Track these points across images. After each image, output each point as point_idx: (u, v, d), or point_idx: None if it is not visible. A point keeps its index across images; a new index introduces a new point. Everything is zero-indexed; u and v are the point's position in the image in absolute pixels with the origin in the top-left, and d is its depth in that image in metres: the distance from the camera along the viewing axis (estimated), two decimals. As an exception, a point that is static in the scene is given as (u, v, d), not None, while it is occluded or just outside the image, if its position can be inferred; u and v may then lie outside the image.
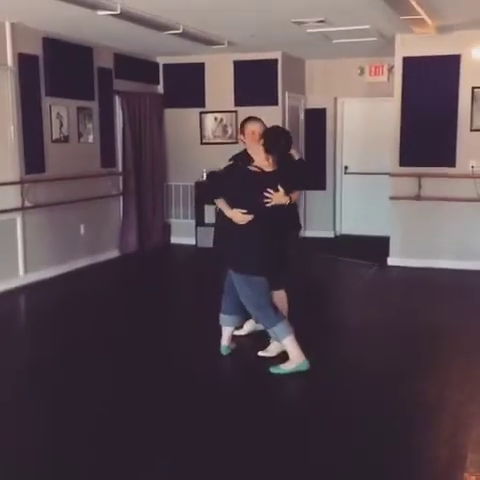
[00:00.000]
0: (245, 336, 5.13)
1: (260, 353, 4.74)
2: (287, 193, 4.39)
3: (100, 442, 3.60)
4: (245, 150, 4.66)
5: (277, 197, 4.35)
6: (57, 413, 3.96)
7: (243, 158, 4.57)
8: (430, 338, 5.27)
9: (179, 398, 4.15)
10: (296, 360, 4.42)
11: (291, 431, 3.71)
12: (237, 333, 5.02)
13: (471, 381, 4.40)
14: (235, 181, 4.43)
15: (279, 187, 4.35)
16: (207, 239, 9.00)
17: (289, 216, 4.64)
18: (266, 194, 4.32)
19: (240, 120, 8.77)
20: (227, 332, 4.82)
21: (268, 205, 4.34)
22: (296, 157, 4.79)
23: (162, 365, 4.71)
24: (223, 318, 4.82)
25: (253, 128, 4.62)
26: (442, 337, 5.31)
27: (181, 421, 3.82)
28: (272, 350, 4.71)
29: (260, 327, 4.84)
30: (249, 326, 5.15)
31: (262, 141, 4.39)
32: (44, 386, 4.36)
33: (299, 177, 4.72)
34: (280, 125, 8.74)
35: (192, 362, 4.77)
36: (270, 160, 4.40)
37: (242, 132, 4.73)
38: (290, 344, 4.43)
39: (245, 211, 4.36)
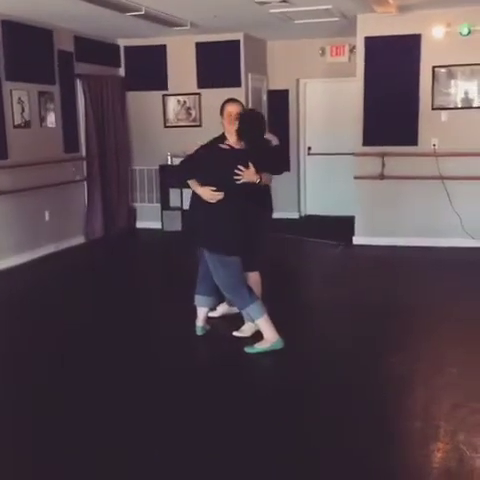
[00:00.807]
0: (218, 318, 5.16)
1: (235, 333, 4.77)
2: (257, 172, 4.41)
3: (71, 429, 3.60)
4: (223, 134, 4.66)
5: (247, 174, 4.36)
6: (25, 404, 3.94)
7: (221, 142, 4.57)
8: (398, 315, 5.36)
9: (155, 381, 4.16)
10: (271, 339, 4.48)
11: (271, 409, 3.76)
12: (211, 314, 5.04)
13: (440, 356, 4.52)
14: (205, 159, 4.44)
15: (250, 164, 4.36)
16: (173, 223, 9.01)
17: (261, 197, 4.66)
18: (237, 171, 4.33)
19: (203, 102, 8.96)
20: (202, 313, 4.85)
21: (238, 182, 4.36)
22: (273, 143, 4.80)
23: (135, 349, 4.71)
24: (198, 298, 4.84)
25: (230, 109, 4.62)
26: (410, 314, 5.41)
27: (157, 405, 3.84)
28: (246, 330, 4.75)
29: (234, 310, 4.89)
30: (223, 309, 5.18)
31: (236, 125, 4.41)
32: (10, 376, 4.33)
33: (273, 163, 4.74)
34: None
35: (167, 344, 4.79)
36: (242, 143, 4.42)
37: (221, 114, 4.72)
38: (264, 324, 4.48)
39: (214, 188, 4.37)
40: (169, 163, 8.81)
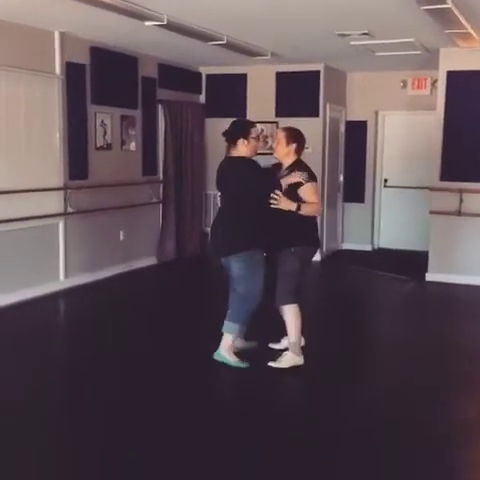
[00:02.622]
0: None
1: (270, 363, 4.75)
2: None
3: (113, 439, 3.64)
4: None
5: (283, 201, 4.56)
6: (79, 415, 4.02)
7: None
8: (468, 358, 5.17)
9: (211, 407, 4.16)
10: (228, 356, 4.75)
11: (323, 447, 3.70)
12: (273, 346, 5.05)
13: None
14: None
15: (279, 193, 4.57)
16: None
17: (291, 226, 4.70)
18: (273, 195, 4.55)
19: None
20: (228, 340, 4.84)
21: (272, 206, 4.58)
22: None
23: (194, 373, 4.74)
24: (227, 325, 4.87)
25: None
26: (481, 356, 5.23)
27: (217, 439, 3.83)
28: (283, 361, 4.75)
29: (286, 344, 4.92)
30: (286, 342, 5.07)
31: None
32: (73, 390, 4.43)
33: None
34: (321, 138, 8.84)
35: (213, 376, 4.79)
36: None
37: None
38: (229, 344, 4.76)
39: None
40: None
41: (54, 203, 6.84)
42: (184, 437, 3.72)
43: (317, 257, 9.04)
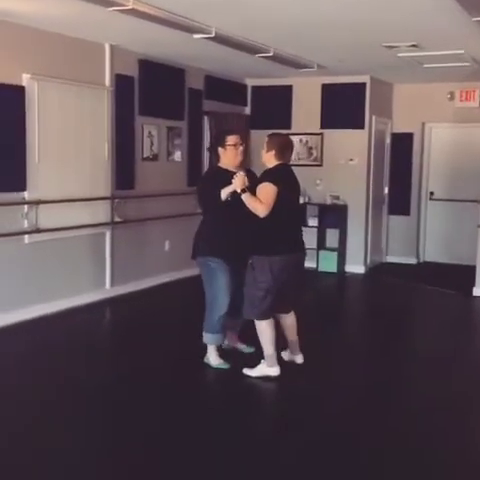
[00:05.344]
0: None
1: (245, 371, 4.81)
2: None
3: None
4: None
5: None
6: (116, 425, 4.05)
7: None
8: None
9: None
10: (211, 358, 4.95)
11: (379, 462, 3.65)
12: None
13: None
14: None
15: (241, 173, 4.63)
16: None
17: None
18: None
19: (325, 143, 9.00)
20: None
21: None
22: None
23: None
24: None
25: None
26: None
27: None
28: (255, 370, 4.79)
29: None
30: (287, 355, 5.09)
31: None
32: (108, 400, 4.45)
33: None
34: (366, 150, 8.80)
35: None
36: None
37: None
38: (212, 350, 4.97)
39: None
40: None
41: (102, 213, 6.95)
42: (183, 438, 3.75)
43: (360, 270, 9.03)
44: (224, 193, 4.61)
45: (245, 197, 4.54)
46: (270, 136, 4.84)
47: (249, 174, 4.78)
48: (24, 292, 6.10)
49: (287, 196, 4.62)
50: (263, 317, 4.67)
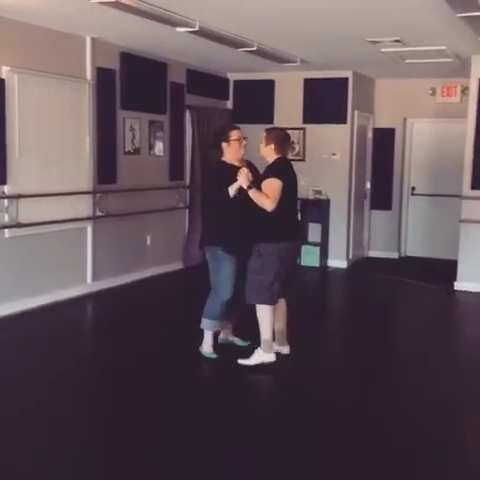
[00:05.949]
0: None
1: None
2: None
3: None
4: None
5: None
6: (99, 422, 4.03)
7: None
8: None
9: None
10: (206, 349, 5.07)
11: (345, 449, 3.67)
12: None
13: None
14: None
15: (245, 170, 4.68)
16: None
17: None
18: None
19: (308, 137, 8.99)
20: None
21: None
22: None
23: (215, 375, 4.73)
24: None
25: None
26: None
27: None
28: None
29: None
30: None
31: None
32: (92, 394, 4.44)
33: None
34: (348, 145, 8.83)
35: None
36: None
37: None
38: (208, 338, 5.10)
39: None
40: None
41: (83, 207, 6.88)
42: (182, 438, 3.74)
43: (343, 264, 9.05)
44: (231, 190, 4.72)
45: (252, 193, 4.66)
46: (268, 130, 4.96)
47: (250, 167, 4.88)
48: (4, 287, 6.03)
49: (289, 188, 4.79)
50: (271, 302, 4.83)
